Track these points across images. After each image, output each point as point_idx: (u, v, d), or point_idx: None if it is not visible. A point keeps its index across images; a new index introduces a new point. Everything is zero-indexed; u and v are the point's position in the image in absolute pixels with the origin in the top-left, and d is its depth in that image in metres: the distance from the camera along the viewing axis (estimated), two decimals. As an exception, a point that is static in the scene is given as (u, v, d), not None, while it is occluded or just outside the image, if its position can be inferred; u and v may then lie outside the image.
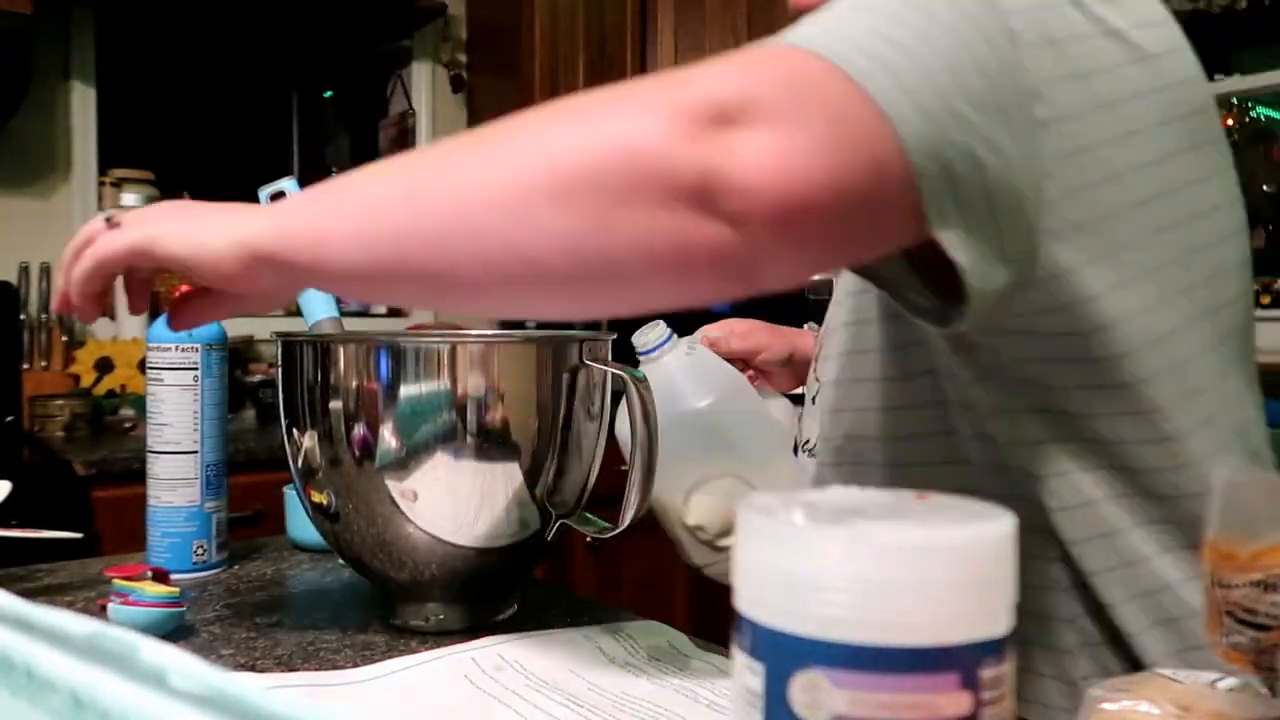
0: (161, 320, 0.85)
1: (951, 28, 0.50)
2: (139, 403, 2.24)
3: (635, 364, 0.72)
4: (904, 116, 0.47)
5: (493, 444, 0.65)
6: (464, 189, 0.51)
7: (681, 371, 0.75)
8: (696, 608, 2.41)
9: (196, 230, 0.56)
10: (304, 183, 0.84)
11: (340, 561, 0.89)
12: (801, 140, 0.46)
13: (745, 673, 0.28)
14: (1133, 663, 0.61)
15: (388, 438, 0.64)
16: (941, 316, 0.55)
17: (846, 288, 0.74)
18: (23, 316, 2.26)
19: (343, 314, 0.85)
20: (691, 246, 0.47)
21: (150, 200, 2.57)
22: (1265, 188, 2.61)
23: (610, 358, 0.71)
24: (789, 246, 0.48)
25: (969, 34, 0.51)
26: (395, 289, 0.60)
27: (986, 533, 0.27)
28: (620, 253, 0.49)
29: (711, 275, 0.49)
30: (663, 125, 0.46)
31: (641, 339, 0.76)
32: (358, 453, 0.65)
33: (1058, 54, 0.53)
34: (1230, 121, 2.64)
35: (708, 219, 0.47)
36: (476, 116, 2.95)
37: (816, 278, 0.76)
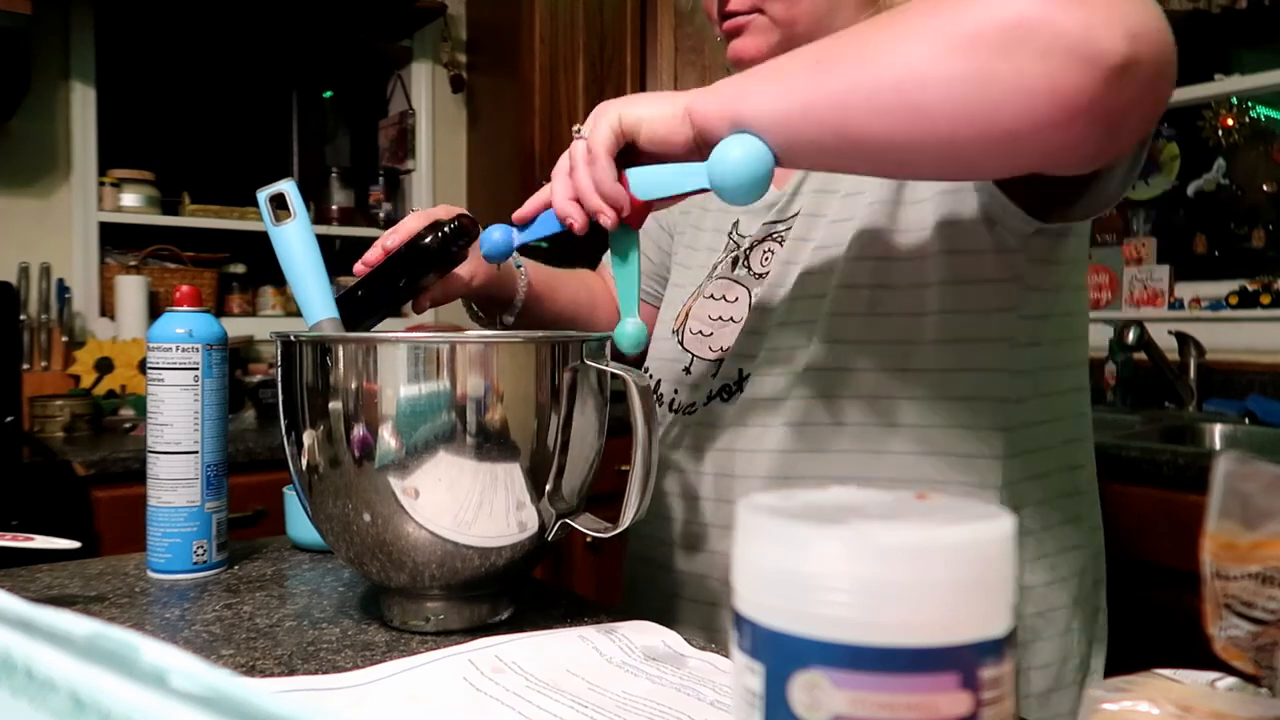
0: (162, 320, 0.85)
1: None
2: (139, 403, 2.24)
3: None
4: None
5: (493, 444, 0.65)
6: (866, 52, 0.60)
7: None
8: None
9: (657, 105, 0.68)
10: (303, 183, 0.84)
11: (340, 561, 0.89)
12: (1143, 12, 0.56)
13: (745, 673, 0.28)
14: None
15: (387, 438, 0.64)
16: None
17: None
18: (23, 316, 2.26)
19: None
20: (1066, 92, 0.55)
21: (150, 201, 2.57)
22: (1265, 188, 2.61)
23: (610, 357, 0.71)
24: (1143, 96, 0.57)
25: None
26: (801, 136, 0.65)
27: (986, 533, 0.27)
28: (1001, 100, 0.56)
29: (1083, 124, 0.57)
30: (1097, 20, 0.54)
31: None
32: (358, 453, 0.65)
33: None
34: (1230, 121, 2.64)
35: (1081, 69, 0.54)
36: (476, 116, 2.95)
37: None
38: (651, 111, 0.67)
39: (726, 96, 0.65)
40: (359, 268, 0.87)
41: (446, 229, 0.83)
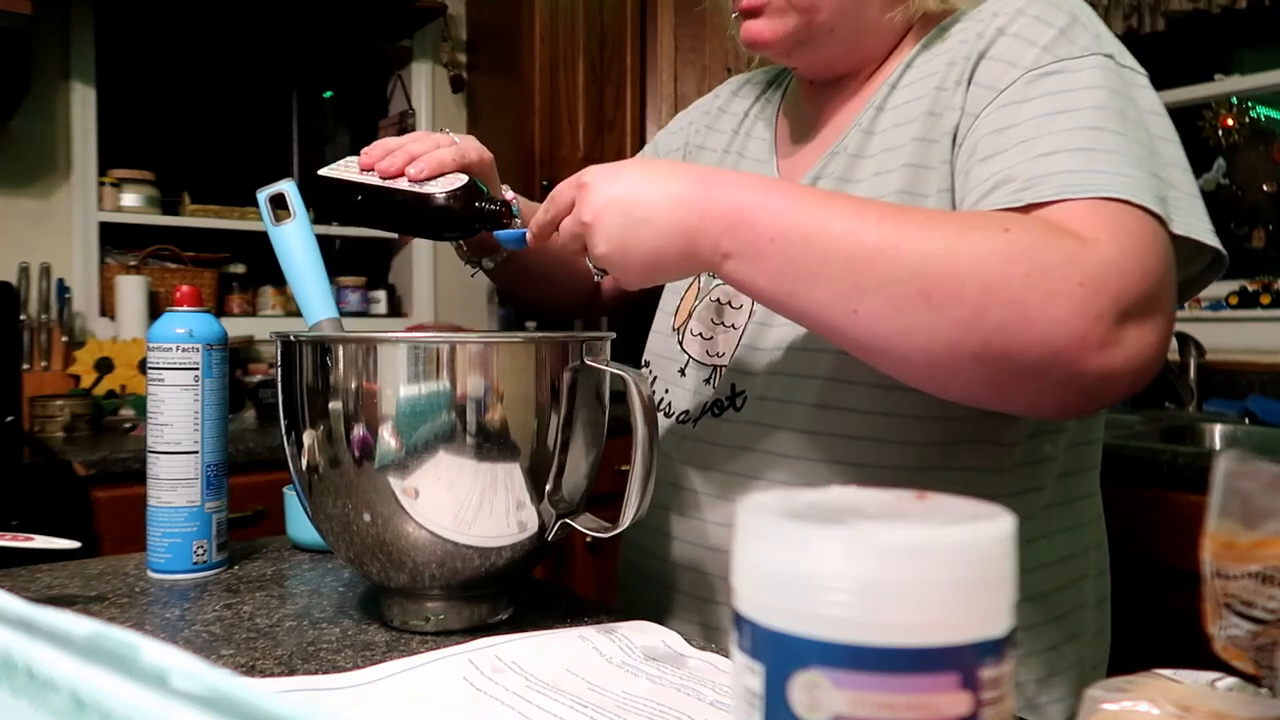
0: (162, 320, 0.85)
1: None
2: (139, 403, 2.24)
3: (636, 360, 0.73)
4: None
5: (493, 444, 0.65)
6: (887, 321, 0.60)
7: None
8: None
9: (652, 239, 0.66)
10: (303, 183, 0.84)
11: (340, 561, 0.89)
12: (1167, 321, 0.60)
13: (745, 673, 0.28)
14: None
15: (387, 438, 0.64)
16: None
17: None
18: (23, 316, 2.26)
19: (342, 314, 0.85)
20: (1054, 405, 0.62)
21: (150, 201, 2.56)
22: (1265, 188, 2.61)
23: (610, 358, 0.71)
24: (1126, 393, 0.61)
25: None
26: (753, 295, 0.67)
27: (986, 533, 0.27)
28: (997, 400, 0.63)
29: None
30: (1085, 329, 0.57)
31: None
32: (358, 453, 0.65)
33: None
34: (1230, 121, 2.64)
35: (1077, 397, 0.60)
36: (476, 116, 2.95)
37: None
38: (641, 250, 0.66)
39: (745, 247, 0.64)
40: (364, 160, 0.84)
41: (485, 209, 0.81)
